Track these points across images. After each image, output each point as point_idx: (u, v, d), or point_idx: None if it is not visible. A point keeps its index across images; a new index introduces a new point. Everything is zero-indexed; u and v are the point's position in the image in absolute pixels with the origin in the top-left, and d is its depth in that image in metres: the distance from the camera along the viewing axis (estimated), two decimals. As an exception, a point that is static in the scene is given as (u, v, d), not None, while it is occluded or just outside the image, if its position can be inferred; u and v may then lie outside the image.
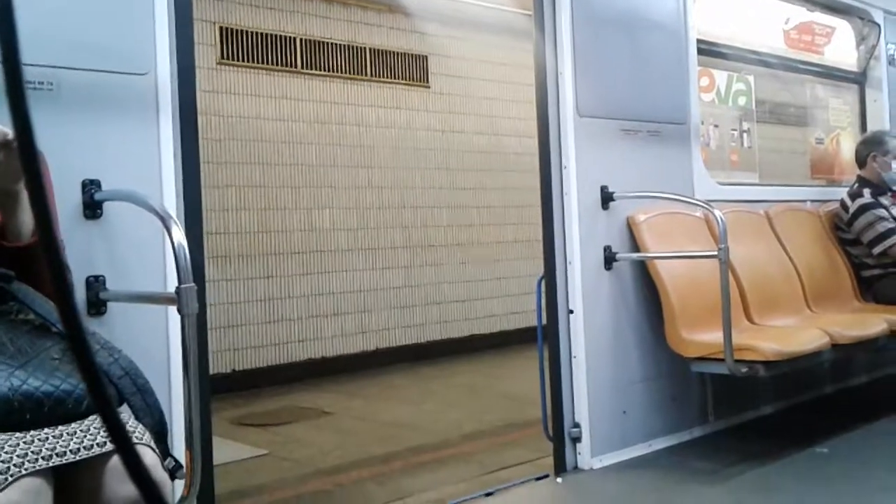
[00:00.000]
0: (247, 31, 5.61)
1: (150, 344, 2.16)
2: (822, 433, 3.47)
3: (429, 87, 6.56)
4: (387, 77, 6.30)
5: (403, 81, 6.40)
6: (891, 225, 4.05)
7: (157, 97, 2.24)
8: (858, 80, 5.20)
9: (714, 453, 3.32)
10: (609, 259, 3.31)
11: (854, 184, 4.31)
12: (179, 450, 1.92)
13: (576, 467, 3.19)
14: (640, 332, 3.40)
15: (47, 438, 1.44)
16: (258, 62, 5.65)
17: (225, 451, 3.48)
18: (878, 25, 4.99)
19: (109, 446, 1.48)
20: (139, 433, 1.55)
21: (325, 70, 5.96)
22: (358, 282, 6.10)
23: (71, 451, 1.44)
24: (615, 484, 3.05)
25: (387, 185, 6.27)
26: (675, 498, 2.88)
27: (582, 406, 3.20)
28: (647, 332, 3.41)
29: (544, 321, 3.28)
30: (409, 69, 6.44)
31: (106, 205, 2.13)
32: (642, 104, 3.50)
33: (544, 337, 3.27)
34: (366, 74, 6.18)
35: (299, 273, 5.82)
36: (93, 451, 1.47)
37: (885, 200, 4.18)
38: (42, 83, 2.04)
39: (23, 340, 1.55)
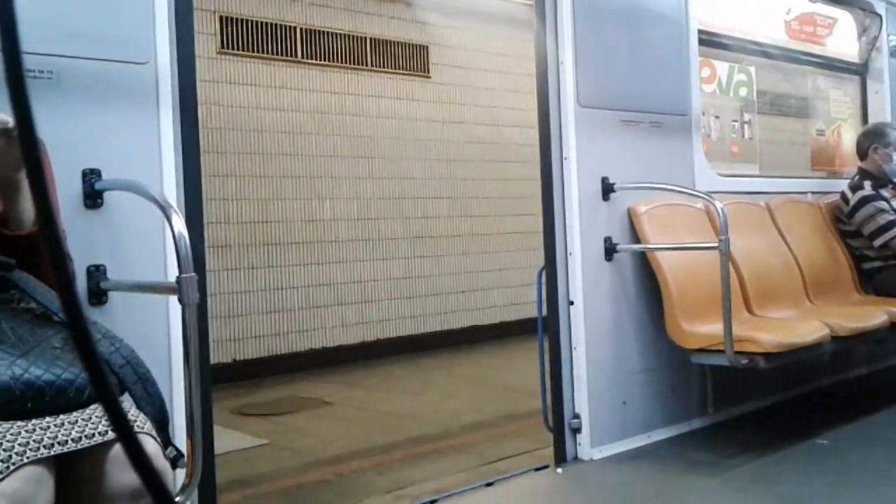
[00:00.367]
0: (247, 21, 5.60)
1: (151, 333, 2.16)
2: (822, 425, 3.47)
3: (429, 78, 6.55)
4: (387, 67, 6.29)
5: (404, 71, 6.39)
6: (891, 217, 4.04)
7: (158, 86, 2.24)
8: (860, 71, 5.19)
9: (714, 445, 3.33)
10: (609, 250, 3.31)
11: (855, 176, 4.31)
12: (181, 439, 1.93)
13: (576, 458, 3.20)
14: (641, 323, 3.40)
15: (49, 427, 1.45)
16: (258, 51, 5.64)
17: (226, 440, 3.49)
18: (880, 16, 4.98)
19: (111, 435, 1.48)
20: (140, 422, 1.56)
21: (325, 60, 5.95)
22: (358, 272, 6.11)
23: (72, 439, 1.45)
24: (615, 475, 3.06)
25: (387, 175, 6.27)
26: (674, 489, 2.88)
27: (582, 397, 3.20)
28: (648, 323, 3.41)
29: (545, 312, 3.28)
30: (410, 59, 6.43)
31: (106, 194, 2.13)
32: (643, 95, 3.50)
33: (544, 328, 3.27)
34: (366, 64, 6.16)
35: (300, 263, 5.82)
36: (94, 439, 1.47)
37: (885, 192, 4.18)
38: (42, 72, 2.04)
39: (24, 329, 1.55)
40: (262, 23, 5.66)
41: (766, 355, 3.05)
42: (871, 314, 3.55)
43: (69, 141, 2.04)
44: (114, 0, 2.18)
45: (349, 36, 6.08)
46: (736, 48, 4.38)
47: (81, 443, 1.45)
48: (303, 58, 5.84)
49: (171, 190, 2.24)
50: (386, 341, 6.21)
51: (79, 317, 0.53)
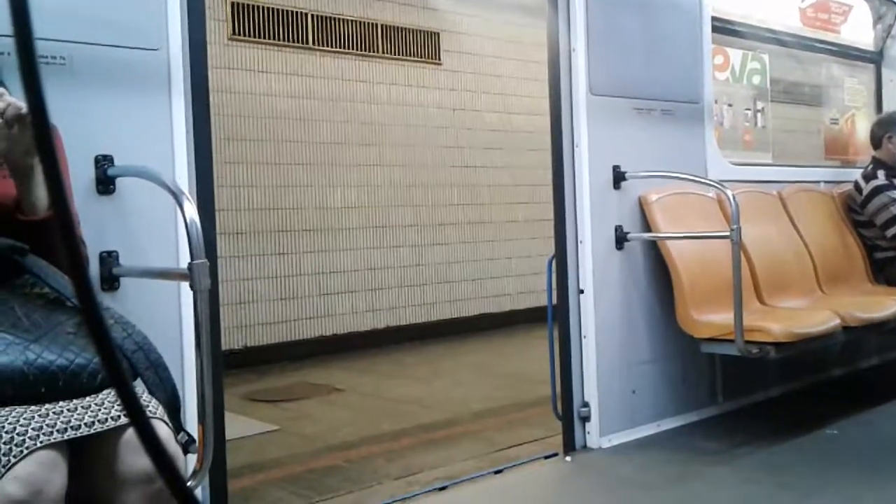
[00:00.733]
0: (258, 7, 5.59)
1: (163, 319, 2.17)
2: (832, 415, 3.47)
3: (440, 65, 6.53)
4: (398, 54, 6.27)
5: (415, 58, 6.37)
6: (905, 207, 4.02)
7: (170, 73, 2.24)
8: (875, 59, 5.14)
9: (723, 434, 3.33)
10: (620, 239, 3.30)
11: (868, 165, 4.28)
12: (192, 424, 1.94)
13: (584, 446, 3.20)
14: (651, 312, 3.40)
15: (62, 412, 1.46)
16: (269, 38, 5.63)
17: (237, 426, 3.52)
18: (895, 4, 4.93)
19: (124, 420, 1.49)
20: (153, 407, 1.57)
21: (336, 47, 5.94)
22: (369, 260, 6.12)
23: (86, 424, 1.46)
24: (624, 463, 3.06)
25: (398, 163, 6.26)
26: (683, 478, 2.89)
27: (591, 385, 3.20)
28: (658, 312, 3.40)
29: (555, 301, 3.28)
30: (421, 46, 6.41)
31: (119, 180, 2.13)
32: (656, 83, 3.48)
33: (554, 316, 3.27)
34: (378, 51, 6.15)
35: (310, 250, 5.83)
36: (107, 424, 1.48)
37: (899, 182, 4.15)
38: (55, 58, 2.04)
39: (38, 314, 1.56)
40: (273, 9, 5.65)
41: (777, 345, 3.04)
42: (883, 304, 3.53)
43: (82, 127, 2.05)
44: (126, -14, 2.18)
45: (360, 22, 6.06)
46: (750, 36, 4.34)
47: (94, 427, 1.47)
48: (314, 44, 5.83)
49: (183, 176, 2.25)
50: (396, 329, 6.23)
51: (92, 302, 0.54)
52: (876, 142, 4.29)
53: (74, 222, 0.56)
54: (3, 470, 1.35)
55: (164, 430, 1.55)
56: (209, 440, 1.79)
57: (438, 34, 6.51)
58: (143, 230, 2.19)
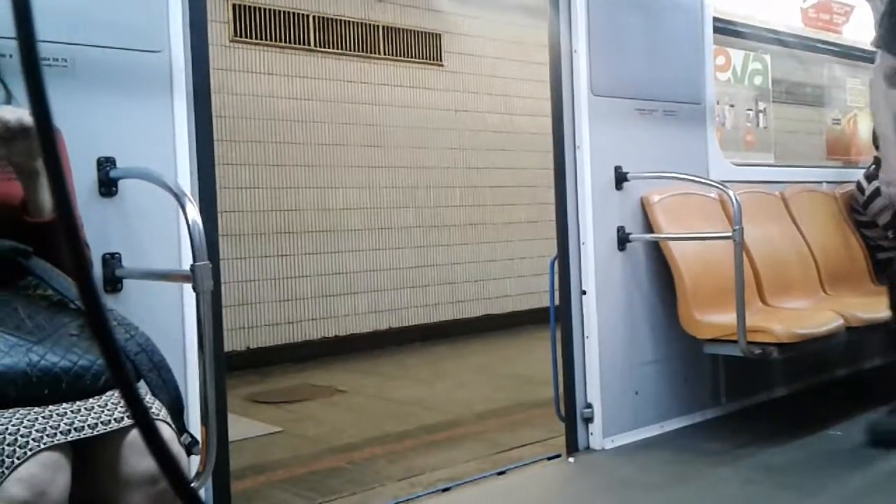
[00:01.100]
0: (260, 9, 5.60)
1: (166, 321, 2.18)
2: (835, 416, 3.46)
3: (442, 66, 6.53)
4: (400, 56, 6.28)
5: (417, 60, 6.38)
6: (907, 207, 4.01)
7: (171, 75, 2.25)
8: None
9: (726, 435, 3.32)
10: (622, 240, 3.30)
11: (871, 165, 4.27)
12: (195, 426, 1.94)
13: (587, 447, 3.20)
14: (653, 313, 3.40)
15: (65, 413, 1.46)
16: (271, 40, 5.64)
17: (240, 427, 3.52)
18: (899, 4, 4.92)
19: (127, 421, 1.49)
20: (156, 409, 1.57)
21: (338, 48, 5.94)
22: (371, 261, 6.12)
23: (89, 426, 1.46)
24: (627, 464, 3.06)
25: (400, 164, 6.26)
26: (686, 479, 2.88)
27: (594, 387, 3.20)
28: (660, 313, 3.40)
29: (557, 302, 3.28)
30: (423, 48, 6.41)
31: (121, 182, 2.14)
32: (657, 83, 3.48)
33: (557, 317, 3.27)
34: (379, 53, 6.16)
35: (313, 252, 5.84)
36: (111, 426, 1.48)
37: (902, 182, 4.14)
38: (57, 60, 2.05)
39: (41, 316, 1.56)
40: (275, 11, 5.66)
41: (780, 346, 3.04)
42: (886, 305, 3.52)
43: (84, 129, 2.05)
44: (128, -11, 2.18)
45: (362, 24, 6.07)
46: (751, 36, 4.34)
47: (98, 429, 1.47)
48: (316, 46, 5.84)
49: (185, 178, 2.25)
50: (398, 330, 6.23)
51: (96, 304, 0.54)
52: (878, 142, 4.28)
53: (78, 224, 0.56)
54: (6, 471, 1.35)
55: (167, 432, 1.55)
56: (212, 442, 1.79)
57: (440, 36, 6.51)
58: (145, 232, 2.19)
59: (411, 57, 6.34)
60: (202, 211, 1.98)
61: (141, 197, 2.16)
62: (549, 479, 3.02)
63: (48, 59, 2.01)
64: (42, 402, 1.47)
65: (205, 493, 2.24)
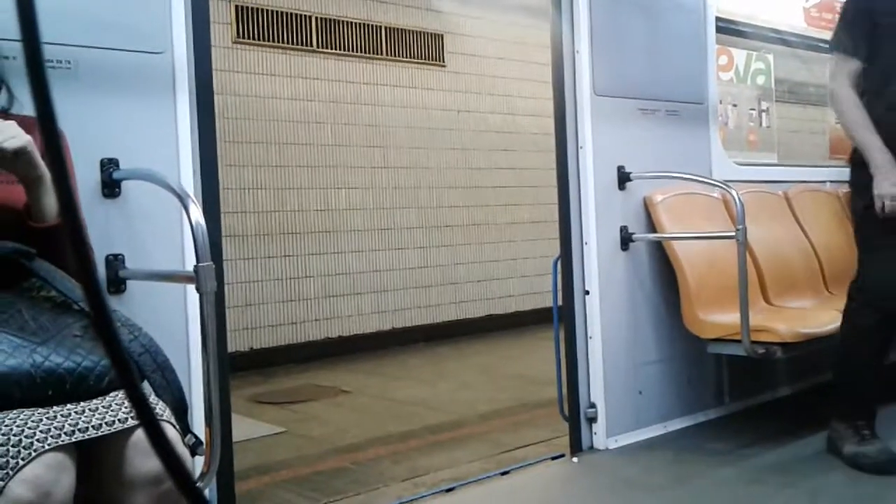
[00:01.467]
0: (262, 10, 5.60)
1: (169, 322, 2.18)
2: (839, 415, 3.45)
3: (444, 67, 6.53)
4: (402, 56, 6.28)
5: (419, 60, 6.38)
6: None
7: (174, 76, 2.25)
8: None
9: (730, 435, 3.32)
10: (625, 240, 3.29)
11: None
12: (199, 426, 1.95)
13: (591, 447, 3.20)
14: (657, 312, 3.39)
15: (69, 414, 1.46)
16: (274, 41, 5.64)
17: (244, 428, 3.52)
18: (902, 3, 4.91)
19: (131, 422, 1.50)
20: (160, 409, 1.57)
21: (340, 49, 5.95)
22: (374, 262, 6.12)
23: (93, 426, 1.46)
24: (630, 464, 3.06)
25: (402, 165, 6.27)
26: (690, 479, 2.88)
27: (597, 386, 3.20)
28: (664, 312, 3.40)
29: (560, 302, 3.28)
30: (425, 48, 6.42)
31: (124, 183, 2.14)
32: (660, 83, 3.47)
33: (560, 318, 3.27)
34: (381, 53, 6.16)
35: (316, 252, 5.84)
36: (115, 426, 1.48)
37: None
38: (60, 62, 2.05)
39: (45, 318, 1.56)
40: (277, 12, 5.66)
41: (783, 345, 3.03)
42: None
43: (87, 131, 2.06)
44: (131, -10, 2.19)
45: (364, 25, 6.07)
46: (754, 36, 4.34)
47: (102, 430, 1.47)
48: (318, 47, 5.84)
49: (189, 179, 2.26)
50: (402, 330, 6.23)
51: (102, 305, 0.54)
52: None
53: (83, 226, 0.56)
54: (11, 472, 1.35)
55: (171, 433, 1.55)
56: (216, 442, 1.79)
57: (442, 36, 6.51)
58: (148, 233, 2.20)
59: (413, 58, 6.35)
60: (205, 212, 1.98)
61: (144, 198, 2.16)
62: (553, 480, 3.02)
63: (51, 61, 2.02)
64: (46, 403, 1.47)
65: (209, 493, 2.24)
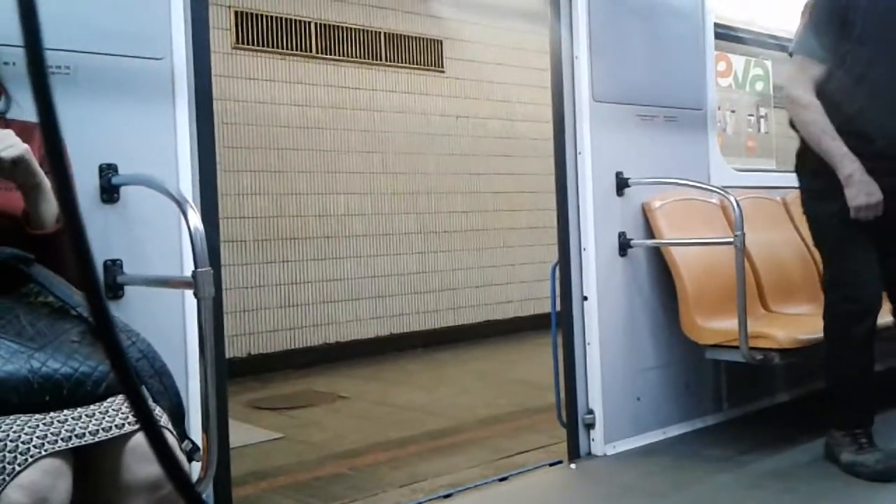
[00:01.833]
0: (262, 16, 5.61)
1: (167, 327, 2.18)
2: (838, 421, 3.45)
3: (443, 72, 6.54)
4: (401, 62, 6.29)
5: (418, 66, 6.39)
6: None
7: (174, 82, 2.25)
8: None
9: (728, 441, 3.32)
10: (624, 245, 3.30)
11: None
12: (196, 432, 1.94)
13: (589, 453, 3.19)
14: (655, 318, 3.39)
15: (66, 420, 1.46)
16: (273, 47, 5.65)
17: (241, 434, 3.51)
18: (899, 10, 4.92)
19: (128, 428, 1.49)
20: (157, 415, 1.57)
21: (339, 55, 5.95)
22: (372, 267, 6.12)
23: (90, 432, 1.46)
24: (628, 470, 3.05)
25: (401, 170, 6.27)
26: (688, 485, 2.88)
27: (596, 392, 3.20)
28: (662, 318, 3.40)
29: (558, 307, 3.28)
30: (424, 54, 6.42)
31: (123, 189, 2.14)
32: (658, 89, 3.48)
33: (558, 323, 3.27)
34: (380, 59, 6.17)
35: (314, 258, 5.84)
36: (112, 432, 1.48)
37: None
38: (59, 67, 2.05)
39: (42, 323, 1.56)
40: (276, 18, 5.67)
41: (781, 351, 3.04)
42: (887, 311, 3.52)
43: (86, 136, 2.06)
44: (130, -4, 2.19)
45: (363, 31, 6.08)
46: (752, 42, 4.35)
47: (99, 435, 1.47)
48: (317, 53, 5.85)
49: (187, 185, 2.26)
50: (400, 336, 6.22)
51: (103, 310, 0.54)
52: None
53: (85, 230, 0.56)
54: (7, 478, 1.35)
55: (169, 438, 1.55)
56: (213, 448, 1.79)
57: (441, 42, 6.52)
58: (147, 238, 2.20)
59: (412, 63, 6.35)
60: (203, 217, 1.99)
61: (143, 204, 2.16)
62: (551, 485, 3.02)
63: (50, 67, 2.02)
64: (43, 408, 1.47)
65: (206, 499, 2.24)
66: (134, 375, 0.56)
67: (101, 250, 2.08)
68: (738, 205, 3.07)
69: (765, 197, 3.91)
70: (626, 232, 3.31)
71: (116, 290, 2.12)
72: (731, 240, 3.05)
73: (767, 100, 4.49)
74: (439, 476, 3.10)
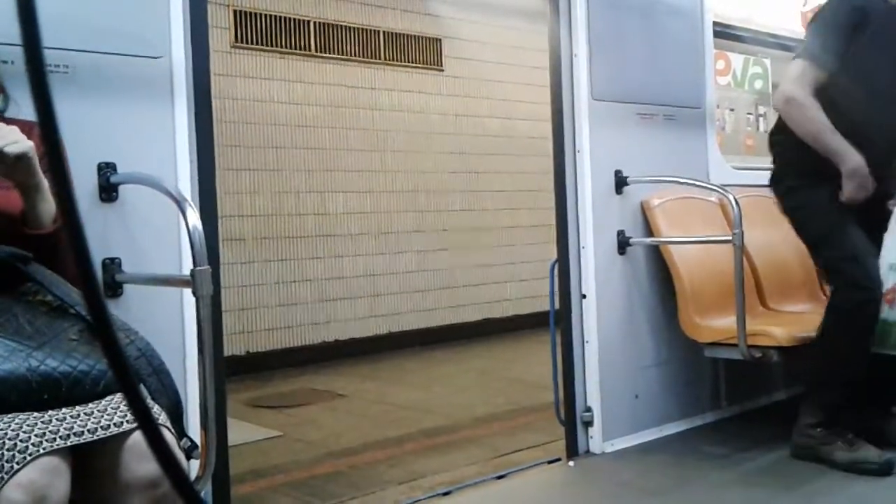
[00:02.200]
0: (260, 14, 5.60)
1: (166, 326, 2.18)
2: (836, 419, 3.45)
3: (442, 71, 6.54)
4: (401, 60, 6.28)
5: (417, 65, 6.38)
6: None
7: (172, 81, 2.25)
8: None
9: (726, 439, 3.32)
10: (622, 244, 3.30)
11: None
12: (195, 430, 1.95)
13: (587, 451, 3.20)
14: (654, 316, 3.40)
15: (65, 418, 1.46)
16: (272, 45, 5.65)
17: (239, 432, 3.51)
18: (898, 8, 4.92)
19: (127, 426, 1.50)
20: (155, 413, 1.57)
21: (338, 53, 5.95)
22: (371, 266, 6.12)
23: (88, 430, 1.46)
24: (627, 468, 3.06)
25: (400, 169, 6.27)
26: (687, 482, 2.88)
27: (594, 390, 3.20)
28: (661, 316, 3.40)
29: (557, 306, 3.28)
30: (423, 52, 6.42)
31: (121, 188, 2.14)
32: (657, 88, 3.48)
33: (557, 321, 3.27)
34: (380, 58, 6.16)
35: (313, 256, 5.84)
36: (110, 430, 1.48)
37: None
38: (58, 66, 2.05)
39: (41, 321, 1.56)
40: (275, 16, 5.67)
41: (780, 349, 3.04)
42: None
43: (85, 135, 2.06)
44: (128, -6, 2.19)
45: (363, 29, 6.08)
46: (751, 40, 4.35)
47: (97, 434, 1.47)
48: (316, 51, 5.85)
49: (186, 183, 2.26)
50: (398, 334, 6.22)
51: (101, 308, 0.54)
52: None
53: (84, 229, 0.56)
54: (6, 476, 1.35)
55: (167, 436, 1.55)
56: (212, 446, 1.79)
57: (440, 40, 6.52)
58: (145, 237, 2.20)
59: (411, 62, 6.35)
60: (202, 216, 1.99)
61: (141, 202, 2.16)
62: (550, 483, 3.02)
63: (49, 66, 2.01)
64: (42, 407, 1.47)
65: (204, 497, 2.24)
66: (132, 374, 0.56)
67: (99, 249, 2.08)
68: (736, 203, 3.07)
69: (763, 195, 3.90)
70: (625, 230, 3.31)
71: (115, 289, 2.12)
72: (730, 238, 3.05)
73: (766, 98, 4.49)
74: (437, 474, 3.10)
